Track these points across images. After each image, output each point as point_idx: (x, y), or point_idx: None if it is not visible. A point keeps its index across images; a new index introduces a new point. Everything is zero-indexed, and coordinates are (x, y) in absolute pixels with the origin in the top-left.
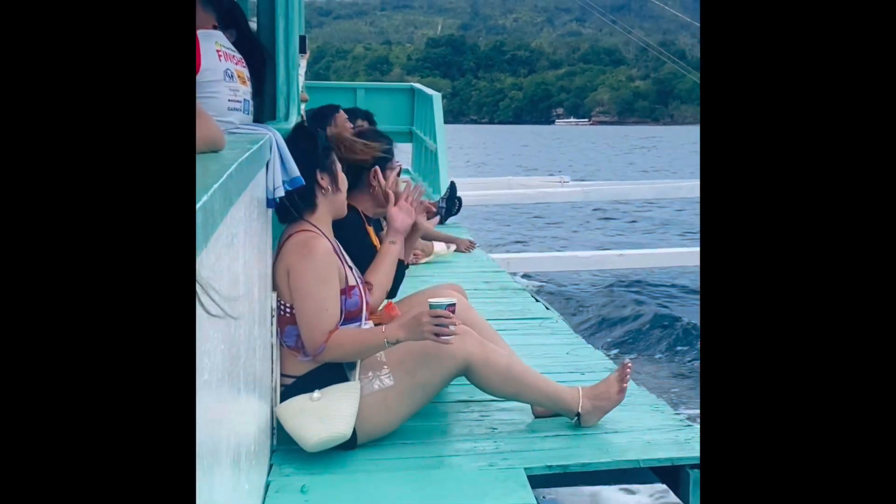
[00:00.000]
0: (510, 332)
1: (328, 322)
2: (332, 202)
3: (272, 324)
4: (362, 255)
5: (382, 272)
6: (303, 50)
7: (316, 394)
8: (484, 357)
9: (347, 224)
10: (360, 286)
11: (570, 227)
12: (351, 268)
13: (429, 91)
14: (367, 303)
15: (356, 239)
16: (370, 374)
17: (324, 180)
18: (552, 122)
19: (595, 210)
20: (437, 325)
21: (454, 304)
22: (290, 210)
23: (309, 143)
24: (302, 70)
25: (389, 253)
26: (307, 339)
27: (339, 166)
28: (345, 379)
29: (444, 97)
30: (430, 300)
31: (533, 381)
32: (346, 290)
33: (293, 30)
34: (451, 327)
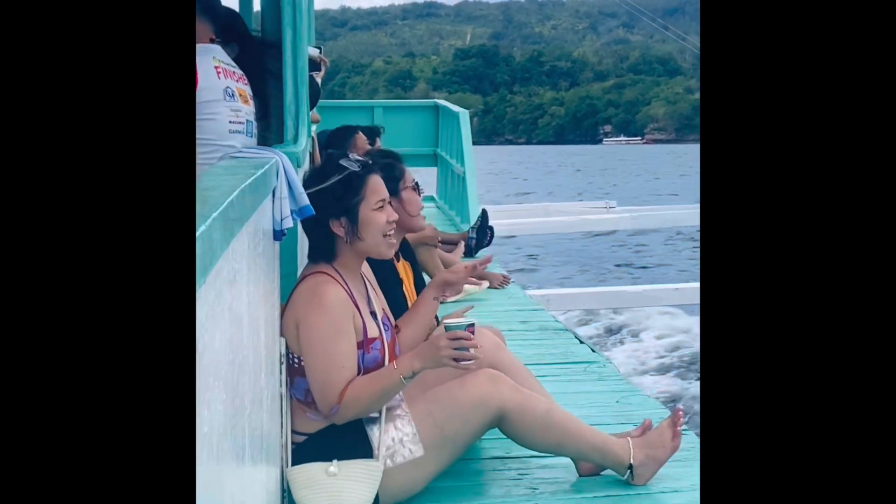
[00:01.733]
0: (551, 379)
1: (344, 381)
2: (358, 248)
3: (281, 372)
4: (394, 301)
5: (417, 326)
6: (316, 67)
7: (332, 467)
8: (520, 405)
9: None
10: (384, 338)
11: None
12: (374, 315)
13: (455, 108)
14: (394, 353)
15: (385, 283)
16: (394, 436)
17: (341, 228)
18: (599, 142)
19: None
20: (455, 348)
21: (473, 325)
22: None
23: (319, 183)
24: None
25: (430, 308)
26: (319, 400)
27: (372, 201)
28: (364, 437)
29: (475, 115)
30: (447, 322)
31: (577, 431)
32: (363, 344)
33: (301, 42)
34: (472, 350)
